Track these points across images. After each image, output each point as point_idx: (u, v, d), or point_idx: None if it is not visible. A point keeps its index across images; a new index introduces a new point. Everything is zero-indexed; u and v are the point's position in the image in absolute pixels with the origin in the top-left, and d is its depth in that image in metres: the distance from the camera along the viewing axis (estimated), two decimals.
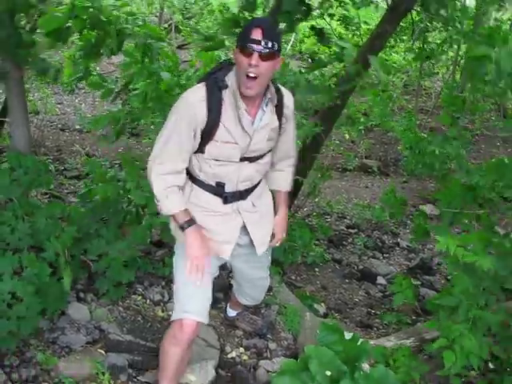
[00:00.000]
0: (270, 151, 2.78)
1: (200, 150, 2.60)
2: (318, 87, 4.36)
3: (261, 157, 2.72)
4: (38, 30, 3.97)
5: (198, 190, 2.72)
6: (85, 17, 3.78)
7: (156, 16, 15.64)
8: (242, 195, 2.77)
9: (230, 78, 2.53)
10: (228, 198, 2.74)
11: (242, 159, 2.64)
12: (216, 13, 13.08)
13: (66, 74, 5.05)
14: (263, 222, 2.94)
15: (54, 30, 3.64)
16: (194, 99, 2.52)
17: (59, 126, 10.08)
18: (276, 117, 2.69)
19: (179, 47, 13.54)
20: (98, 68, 9.63)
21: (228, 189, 2.71)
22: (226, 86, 2.52)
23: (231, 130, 2.56)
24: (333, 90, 4.50)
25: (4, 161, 4.39)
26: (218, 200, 2.74)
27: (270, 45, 2.36)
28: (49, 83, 9.47)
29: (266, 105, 2.62)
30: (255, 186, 2.83)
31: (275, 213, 3.04)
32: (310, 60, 13.76)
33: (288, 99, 2.75)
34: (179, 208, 2.61)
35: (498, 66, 2.72)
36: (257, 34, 2.35)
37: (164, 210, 2.62)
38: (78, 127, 9.82)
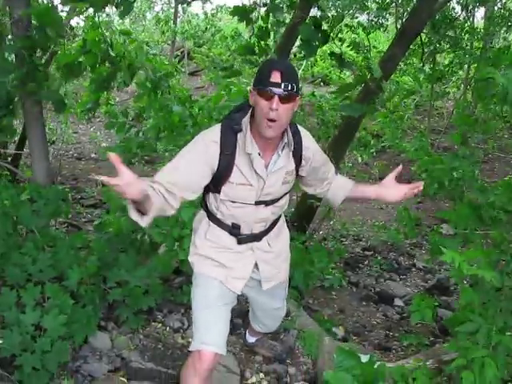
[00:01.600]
0: (286, 194, 2.78)
1: (217, 190, 2.62)
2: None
3: (277, 200, 2.72)
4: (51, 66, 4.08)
5: (214, 227, 2.76)
6: (96, 52, 3.89)
7: (168, 44, 15.86)
8: (256, 237, 2.80)
9: (246, 122, 2.54)
10: (242, 240, 2.77)
11: (258, 202, 2.65)
12: (228, 39, 13.22)
13: (81, 103, 5.16)
14: (277, 261, 2.95)
15: (66, 64, 3.73)
16: (209, 141, 2.52)
17: (75, 155, 10.25)
18: (293, 160, 2.66)
19: (191, 74, 13.71)
20: (113, 96, 9.76)
21: (243, 230, 2.74)
22: (240, 130, 2.53)
23: (245, 172, 2.56)
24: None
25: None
26: (233, 240, 2.77)
27: (289, 87, 2.34)
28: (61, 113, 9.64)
29: (282, 149, 2.59)
30: (271, 228, 2.86)
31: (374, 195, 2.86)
32: (322, 83, 13.91)
33: (307, 141, 2.69)
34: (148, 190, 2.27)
35: (503, 89, 2.76)
36: (276, 77, 2.33)
37: None
38: (93, 156, 9.96)
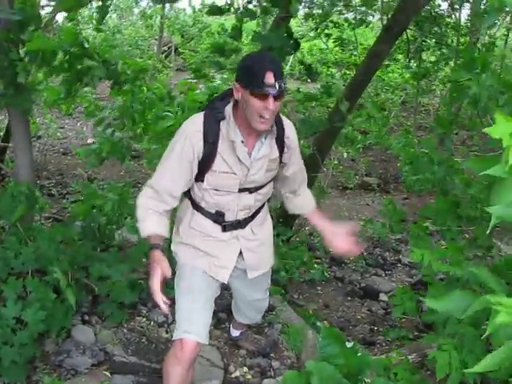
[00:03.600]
0: (270, 181, 2.83)
1: (200, 179, 2.66)
2: (312, 123, 4.47)
3: (260, 187, 2.77)
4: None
5: (198, 216, 2.79)
6: (71, 43, 3.86)
7: (155, 39, 15.79)
8: (240, 224, 2.82)
9: (229, 110, 2.58)
10: (227, 227, 2.80)
11: (242, 190, 2.69)
12: (215, 35, 13.20)
13: (53, 91, 5.12)
14: (261, 249, 2.98)
15: (39, 50, 3.69)
16: (191, 131, 2.57)
17: (61, 150, 10.17)
18: (276, 147, 2.72)
19: (179, 69, 13.68)
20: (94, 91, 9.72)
21: (228, 218, 2.77)
22: (223, 118, 2.57)
23: (228, 160, 2.60)
24: (325, 123, 4.61)
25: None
26: (218, 227, 2.80)
27: (282, 86, 2.40)
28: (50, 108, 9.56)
29: (265, 137, 2.65)
30: (255, 214, 2.88)
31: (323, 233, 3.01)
32: (308, 80, 13.89)
33: (289, 130, 2.77)
34: (153, 231, 2.62)
35: (475, 95, 2.81)
36: (270, 78, 2.37)
37: (141, 232, 2.66)
38: (78, 150, 9.86)
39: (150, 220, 2.62)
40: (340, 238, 2.88)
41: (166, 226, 2.67)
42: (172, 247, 2.93)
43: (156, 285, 2.52)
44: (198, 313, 2.75)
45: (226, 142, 2.57)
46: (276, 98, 2.40)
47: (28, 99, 3.82)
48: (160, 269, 2.50)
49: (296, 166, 2.91)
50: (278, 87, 2.37)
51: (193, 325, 2.71)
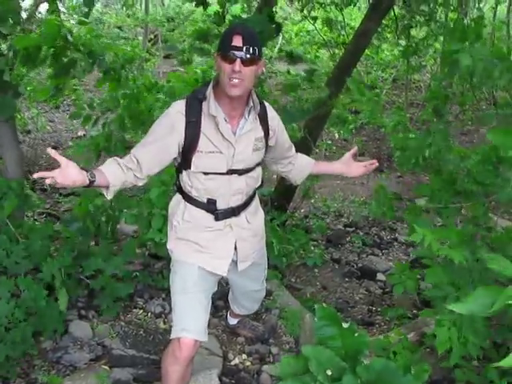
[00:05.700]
0: (259, 164, 2.81)
1: (187, 164, 2.62)
2: (294, 113, 4.47)
3: (250, 170, 2.73)
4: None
5: (191, 207, 2.74)
6: (55, 37, 3.80)
7: (142, 27, 15.67)
8: (234, 212, 2.78)
9: (209, 90, 2.58)
10: (219, 215, 2.75)
11: (230, 172, 2.65)
12: (199, 22, 13.12)
13: (42, 90, 5.08)
14: (253, 239, 2.95)
15: (25, 48, 3.65)
16: (173, 112, 2.57)
17: (52, 143, 10.08)
18: (261, 127, 2.71)
19: (166, 57, 13.59)
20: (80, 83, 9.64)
21: (220, 205, 2.72)
22: (205, 98, 2.57)
23: (212, 138, 2.58)
24: (308, 113, 4.61)
25: None
26: (211, 217, 2.75)
27: (251, 50, 2.41)
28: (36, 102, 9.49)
29: (249, 113, 2.64)
30: (248, 202, 2.85)
31: (330, 170, 3.20)
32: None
33: (271, 111, 2.80)
34: (102, 168, 2.42)
35: (468, 67, 2.77)
36: (238, 41, 2.40)
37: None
38: (70, 144, 9.82)
39: (109, 164, 2.46)
40: (353, 165, 3.09)
41: (117, 175, 2.45)
42: (168, 245, 2.88)
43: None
44: (194, 310, 2.71)
45: (209, 119, 2.57)
46: (246, 62, 2.42)
47: (12, 105, 3.78)
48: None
49: (282, 143, 2.93)
50: (245, 50, 2.40)
51: (190, 322, 2.68)
